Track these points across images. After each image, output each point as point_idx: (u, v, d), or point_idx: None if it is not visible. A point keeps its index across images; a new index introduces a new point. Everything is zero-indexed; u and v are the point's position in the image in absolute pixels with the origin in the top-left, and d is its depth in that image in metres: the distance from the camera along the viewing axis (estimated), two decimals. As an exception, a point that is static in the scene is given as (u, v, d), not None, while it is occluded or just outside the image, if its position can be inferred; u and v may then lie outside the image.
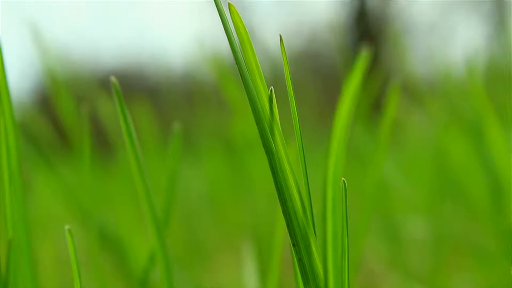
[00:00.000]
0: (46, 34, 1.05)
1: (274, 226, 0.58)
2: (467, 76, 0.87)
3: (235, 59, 0.38)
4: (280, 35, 0.39)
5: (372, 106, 0.98)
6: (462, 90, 0.94)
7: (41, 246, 0.86)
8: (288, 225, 0.38)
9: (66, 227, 0.34)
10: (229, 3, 0.39)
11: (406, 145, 1.28)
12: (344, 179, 0.37)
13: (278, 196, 0.38)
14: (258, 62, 0.39)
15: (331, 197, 0.36)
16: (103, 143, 1.09)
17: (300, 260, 0.38)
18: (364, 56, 0.32)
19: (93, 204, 0.81)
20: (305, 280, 0.38)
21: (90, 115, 0.97)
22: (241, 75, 0.38)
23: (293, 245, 0.39)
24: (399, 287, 0.96)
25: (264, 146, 0.38)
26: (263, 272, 0.73)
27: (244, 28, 0.38)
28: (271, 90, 0.39)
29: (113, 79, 0.41)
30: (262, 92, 0.39)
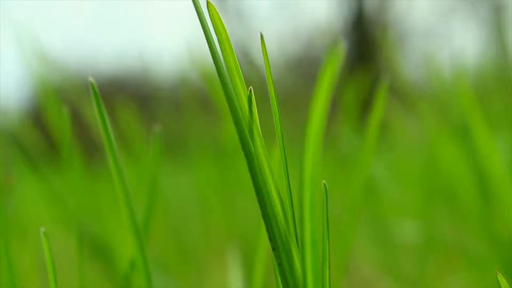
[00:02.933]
0: (41, 41, 1.04)
1: (259, 231, 0.58)
2: (455, 81, 0.86)
3: (213, 58, 0.37)
4: (261, 34, 0.38)
5: (363, 109, 0.98)
6: (452, 94, 0.94)
7: (28, 253, 0.86)
8: (268, 230, 0.38)
9: (42, 229, 0.33)
10: (207, 1, 0.38)
11: (397, 149, 1.28)
12: (324, 181, 0.36)
13: (258, 200, 0.37)
14: (238, 61, 0.38)
15: (309, 199, 0.35)
16: (94, 150, 1.08)
17: (280, 265, 0.37)
18: (336, 51, 0.31)
19: (80, 210, 0.81)
20: (285, 284, 0.37)
21: (81, 122, 0.97)
22: (218, 74, 0.37)
23: (273, 249, 0.38)
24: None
25: (243, 149, 0.37)
26: (249, 277, 0.73)
27: (223, 27, 0.38)
28: (250, 90, 0.38)
29: (91, 79, 0.40)
30: (241, 92, 0.38)
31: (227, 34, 0.37)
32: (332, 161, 1.21)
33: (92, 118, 1.03)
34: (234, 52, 0.37)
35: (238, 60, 0.38)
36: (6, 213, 0.46)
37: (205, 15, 0.38)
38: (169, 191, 1.29)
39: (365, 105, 1.02)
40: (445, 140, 0.94)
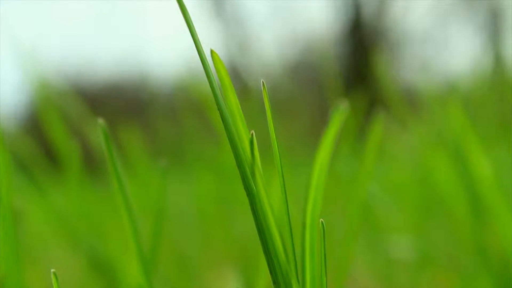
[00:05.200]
0: (39, 50, 1.06)
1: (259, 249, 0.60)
2: (447, 96, 0.88)
3: (217, 106, 0.39)
4: (263, 82, 0.40)
5: (360, 127, 1.00)
6: (444, 110, 0.96)
7: (31, 272, 0.88)
8: (268, 264, 0.40)
9: (52, 270, 0.35)
10: (211, 50, 0.40)
11: (391, 165, 1.30)
12: (322, 220, 0.39)
13: (259, 236, 0.40)
14: (240, 106, 0.40)
15: (309, 238, 0.37)
16: (92, 162, 1.10)
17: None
18: (340, 111, 0.33)
19: (83, 227, 0.82)
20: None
21: (80, 135, 0.98)
22: (222, 120, 0.39)
23: (274, 282, 0.40)
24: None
25: (245, 188, 0.39)
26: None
27: (227, 74, 0.40)
28: (252, 134, 0.40)
29: (100, 121, 0.43)
30: (243, 136, 0.40)
31: (230, 82, 0.40)
32: (329, 179, 1.23)
33: (90, 131, 1.05)
34: (237, 98, 0.40)
35: (233, 80, 0.41)
36: (18, 244, 0.48)
37: (208, 59, 0.40)
38: (166, 201, 1.30)
39: (362, 119, 1.04)
40: (438, 156, 0.96)
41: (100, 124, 0.44)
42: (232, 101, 0.40)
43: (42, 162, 0.94)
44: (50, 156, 0.98)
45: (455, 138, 0.86)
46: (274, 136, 0.40)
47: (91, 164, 1.10)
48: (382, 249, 0.98)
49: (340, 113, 0.33)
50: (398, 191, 1.15)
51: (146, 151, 1.13)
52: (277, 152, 0.41)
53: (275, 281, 0.40)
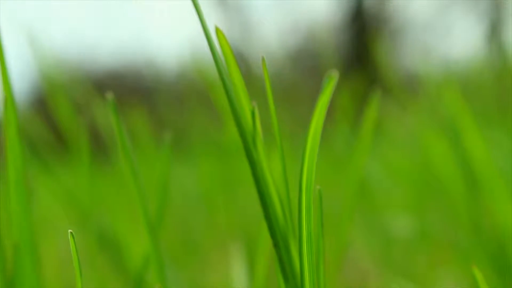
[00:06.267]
0: (43, 35, 1.08)
1: (261, 226, 0.62)
2: (446, 79, 0.91)
3: (221, 79, 0.42)
4: (263, 57, 0.42)
5: (359, 108, 1.02)
6: (442, 92, 0.98)
7: (42, 247, 0.90)
8: (269, 228, 0.42)
9: (69, 231, 0.38)
10: (215, 27, 0.42)
11: (390, 146, 1.32)
12: (319, 186, 0.41)
13: (260, 202, 0.42)
14: (242, 80, 0.42)
15: (306, 202, 0.40)
16: (98, 143, 1.12)
17: (280, 259, 0.42)
18: (331, 79, 0.36)
19: (90, 205, 0.85)
20: (285, 277, 0.42)
21: (86, 116, 1.00)
22: (226, 93, 0.42)
23: (274, 245, 0.43)
24: (386, 283, 1.00)
25: (247, 157, 0.42)
26: (252, 269, 0.77)
27: (230, 49, 0.42)
28: (254, 105, 0.43)
29: (109, 95, 0.45)
30: (246, 106, 0.42)
31: (233, 57, 0.42)
32: (328, 160, 1.26)
33: (99, 115, 1.07)
34: (239, 72, 0.42)
35: (237, 60, 0.43)
36: (31, 214, 0.51)
37: (210, 28, 0.43)
38: (171, 183, 1.33)
39: (361, 104, 1.07)
40: (436, 137, 0.98)
41: (108, 98, 0.46)
42: (235, 74, 0.42)
43: (50, 143, 0.96)
44: (58, 137, 1.01)
45: (453, 120, 0.88)
46: (273, 107, 0.43)
47: (98, 145, 1.12)
48: (381, 228, 1.00)
49: (332, 79, 0.36)
50: (397, 172, 1.18)
51: (150, 133, 1.15)
52: (276, 122, 0.43)
53: (275, 244, 0.43)
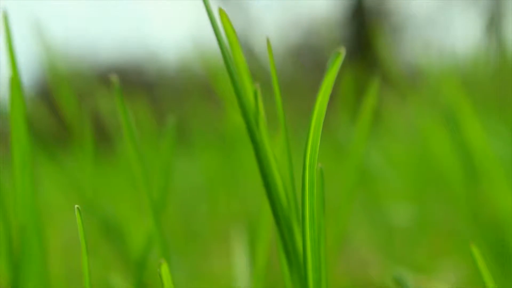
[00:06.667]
0: (46, 29, 1.09)
1: (263, 211, 0.63)
2: (445, 71, 0.91)
3: (224, 59, 0.43)
4: (267, 38, 0.43)
5: (361, 98, 1.03)
6: (441, 83, 0.99)
7: (46, 233, 0.91)
8: (272, 207, 0.43)
9: (76, 206, 0.38)
10: (219, 9, 0.43)
11: (391, 136, 1.33)
12: (321, 164, 0.42)
13: (263, 182, 0.43)
14: (245, 61, 0.43)
15: (308, 180, 0.41)
16: (101, 134, 1.13)
17: (282, 237, 0.43)
18: (338, 56, 0.36)
19: (93, 193, 0.86)
20: (287, 256, 0.43)
21: (89, 107, 1.01)
22: (229, 73, 0.43)
23: (277, 224, 0.43)
24: (386, 272, 1.01)
25: (250, 137, 0.43)
26: (254, 256, 0.78)
27: (233, 31, 0.43)
28: (257, 86, 0.43)
29: (113, 78, 0.46)
30: (249, 88, 0.43)
31: (236, 38, 0.43)
32: (330, 148, 1.26)
33: (102, 105, 1.08)
34: (242, 54, 0.43)
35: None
36: (36, 198, 0.52)
37: (215, 16, 0.44)
38: (173, 174, 1.33)
39: (362, 95, 1.07)
40: (436, 128, 0.99)
41: (113, 80, 0.47)
42: (238, 55, 0.43)
43: (54, 132, 0.97)
44: (62, 127, 1.02)
45: (452, 110, 0.89)
46: (278, 87, 0.43)
47: (101, 135, 1.13)
48: (381, 217, 1.01)
49: (339, 56, 0.36)
50: (398, 162, 1.18)
51: (153, 124, 1.16)
52: (280, 101, 0.44)
53: (277, 223, 0.43)
